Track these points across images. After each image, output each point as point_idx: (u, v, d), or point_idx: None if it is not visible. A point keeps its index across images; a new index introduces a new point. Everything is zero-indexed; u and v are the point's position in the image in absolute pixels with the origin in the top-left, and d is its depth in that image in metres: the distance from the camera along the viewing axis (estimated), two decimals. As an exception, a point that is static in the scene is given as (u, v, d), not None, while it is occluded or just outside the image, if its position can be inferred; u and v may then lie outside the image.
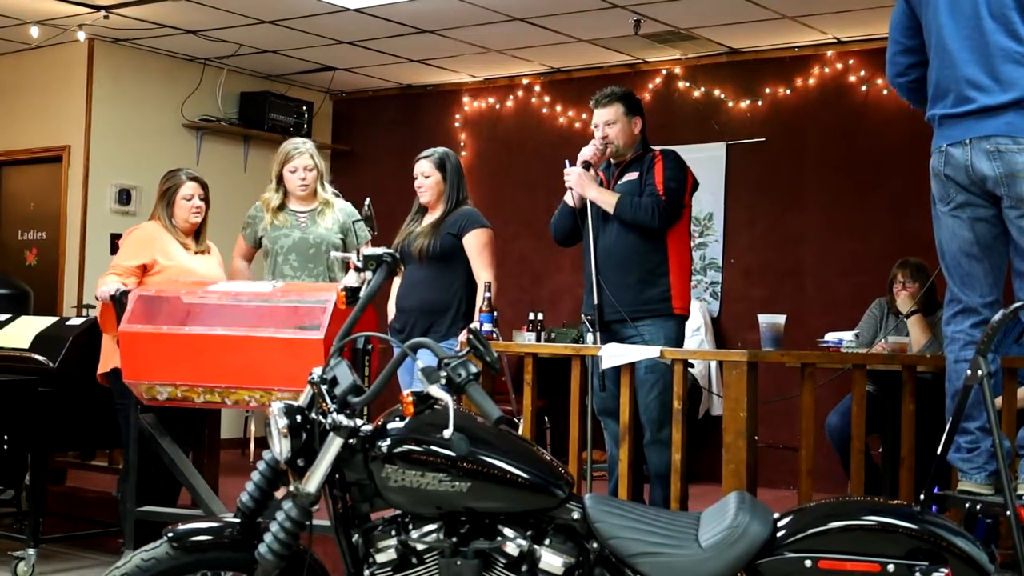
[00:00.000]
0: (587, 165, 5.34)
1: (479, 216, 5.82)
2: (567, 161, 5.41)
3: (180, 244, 5.64)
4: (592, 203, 5.31)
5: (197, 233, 5.74)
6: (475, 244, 5.73)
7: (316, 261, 5.84)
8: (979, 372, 3.41)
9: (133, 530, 5.05)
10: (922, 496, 3.46)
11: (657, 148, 5.49)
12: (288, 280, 5.76)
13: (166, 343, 4.99)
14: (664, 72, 8.76)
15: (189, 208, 5.64)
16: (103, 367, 5.49)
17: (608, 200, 5.28)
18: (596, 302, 5.21)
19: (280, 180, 5.91)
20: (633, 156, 5.43)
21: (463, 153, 9.53)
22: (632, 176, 5.36)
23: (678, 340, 5.28)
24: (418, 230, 5.83)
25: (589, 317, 5.24)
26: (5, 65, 9.17)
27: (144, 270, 5.50)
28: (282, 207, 5.91)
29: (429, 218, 5.85)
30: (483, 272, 5.69)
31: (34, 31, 8.29)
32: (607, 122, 5.40)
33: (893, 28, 4.22)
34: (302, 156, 5.88)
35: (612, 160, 5.47)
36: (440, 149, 5.93)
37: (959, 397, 3.59)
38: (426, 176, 5.82)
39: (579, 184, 5.32)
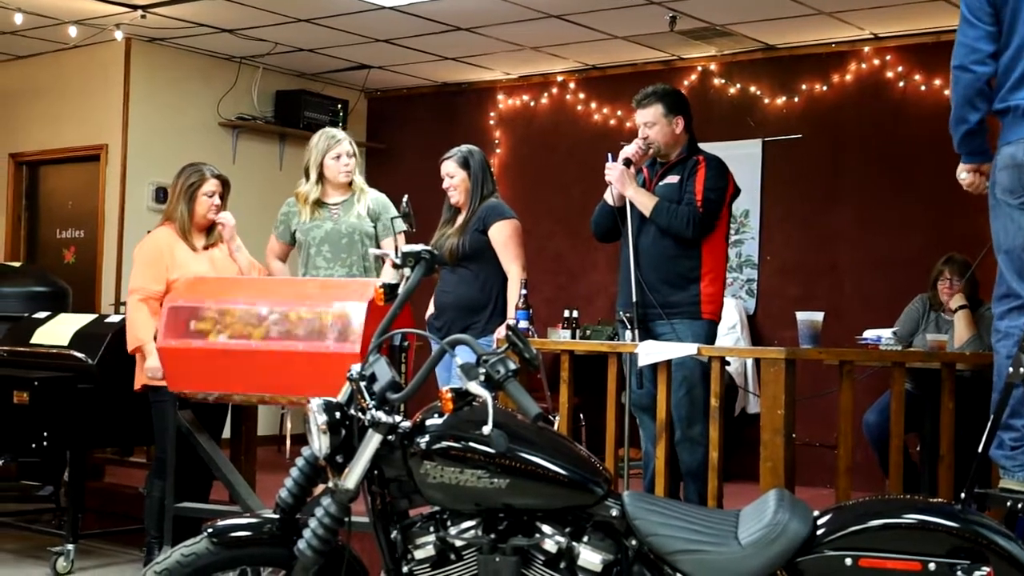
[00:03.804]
0: (628, 162, 5.31)
1: (503, 208, 5.79)
2: (609, 155, 5.37)
3: (189, 247, 5.57)
4: (631, 202, 5.29)
5: (210, 228, 5.69)
6: (500, 236, 5.70)
7: (349, 251, 5.81)
8: (1021, 369, 3.37)
9: (171, 527, 5.08)
10: (963, 494, 3.42)
11: (703, 151, 5.42)
12: (322, 272, 5.78)
13: (202, 356, 4.95)
14: (699, 69, 8.73)
15: (209, 205, 5.59)
16: (137, 384, 5.50)
17: (646, 203, 5.25)
18: (635, 300, 5.18)
19: (320, 172, 5.87)
20: (677, 159, 5.38)
21: (497, 151, 9.54)
22: (673, 180, 5.32)
23: (707, 341, 5.21)
24: (449, 232, 5.83)
25: (628, 315, 5.21)
26: (44, 65, 9.26)
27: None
28: (316, 201, 5.88)
29: (460, 218, 5.85)
30: (511, 264, 5.67)
31: (72, 31, 8.36)
32: (646, 123, 5.35)
33: (973, 13, 3.93)
34: (344, 143, 5.88)
35: (658, 158, 5.44)
36: (464, 147, 5.88)
37: (1001, 394, 3.55)
38: (451, 176, 5.81)
39: (620, 181, 5.29)
